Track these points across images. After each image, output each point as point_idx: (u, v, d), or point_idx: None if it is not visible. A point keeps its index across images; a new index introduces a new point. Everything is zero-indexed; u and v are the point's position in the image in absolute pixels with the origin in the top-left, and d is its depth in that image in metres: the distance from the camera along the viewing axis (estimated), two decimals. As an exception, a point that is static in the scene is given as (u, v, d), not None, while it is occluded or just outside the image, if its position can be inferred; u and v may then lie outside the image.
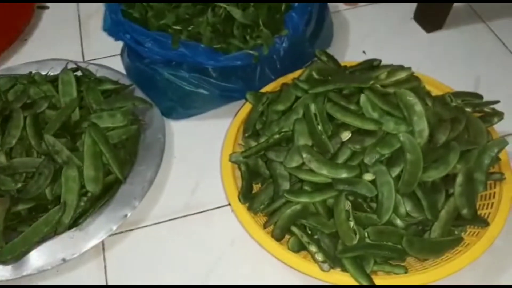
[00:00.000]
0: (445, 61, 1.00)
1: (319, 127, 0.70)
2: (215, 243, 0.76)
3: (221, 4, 0.86)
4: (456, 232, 0.69)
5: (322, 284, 0.67)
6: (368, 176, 0.67)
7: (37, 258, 0.70)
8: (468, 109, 0.77)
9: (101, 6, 1.11)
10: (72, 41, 1.08)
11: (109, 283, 0.73)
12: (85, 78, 0.89)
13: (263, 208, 0.72)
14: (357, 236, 0.64)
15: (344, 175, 0.67)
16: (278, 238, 0.68)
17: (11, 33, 1.07)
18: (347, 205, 0.65)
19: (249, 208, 0.71)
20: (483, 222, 0.68)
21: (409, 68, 0.78)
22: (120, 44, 1.00)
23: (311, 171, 0.68)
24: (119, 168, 0.77)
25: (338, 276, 0.64)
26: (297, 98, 0.77)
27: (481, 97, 0.80)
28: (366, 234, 0.65)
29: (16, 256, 0.69)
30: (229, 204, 0.77)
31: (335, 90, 0.74)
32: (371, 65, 0.82)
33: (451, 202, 0.68)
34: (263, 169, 0.76)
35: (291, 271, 0.66)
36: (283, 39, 0.85)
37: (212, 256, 0.75)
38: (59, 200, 0.73)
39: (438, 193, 0.69)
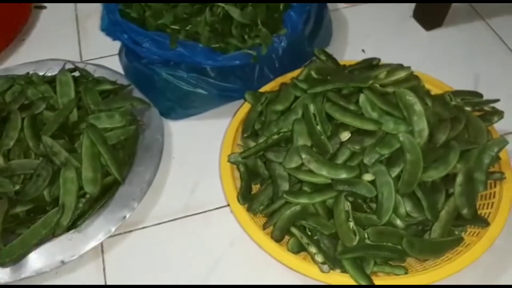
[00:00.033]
0: (445, 59, 0.99)
1: (318, 127, 0.70)
2: (215, 244, 0.76)
3: (219, 4, 0.86)
4: (456, 232, 0.69)
5: (322, 285, 0.67)
6: (367, 177, 0.67)
7: (36, 260, 0.70)
8: (468, 108, 0.76)
9: (98, 6, 1.10)
10: (69, 41, 1.08)
11: (108, 285, 0.73)
12: (83, 79, 0.89)
13: (263, 209, 0.71)
14: (357, 237, 0.64)
15: (343, 175, 0.67)
16: (278, 239, 0.68)
17: (8, 33, 1.06)
18: (347, 205, 0.65)
19: (249, 209, 0.71)
20: (484, 222, 0.67)
21: (409, 67, 0.77)
22: (118, 44, 1.00)
23: (310, 171, 0.68)
24: (117, 169, 0.76)
25: (338, 277, 0.64)
26: (296, 98, 0.76)
27: (481, 95, 0.80)
28: (366, 235, 0.65)
29: (15, 259, 0.69)
30: (228, 205, 0.77)
31: (334, 90, 0.73)
32: (370, 64, 0.82)
33: (451, 202, 0.68)
34: (262, 169, 0.75)
35: (290, 272, 0.66)
36: (282, 38, 0.84)
37: (212, 257, 0.74)
38: (58, 202, 0.72)
39: (438, 193, 0.68)
